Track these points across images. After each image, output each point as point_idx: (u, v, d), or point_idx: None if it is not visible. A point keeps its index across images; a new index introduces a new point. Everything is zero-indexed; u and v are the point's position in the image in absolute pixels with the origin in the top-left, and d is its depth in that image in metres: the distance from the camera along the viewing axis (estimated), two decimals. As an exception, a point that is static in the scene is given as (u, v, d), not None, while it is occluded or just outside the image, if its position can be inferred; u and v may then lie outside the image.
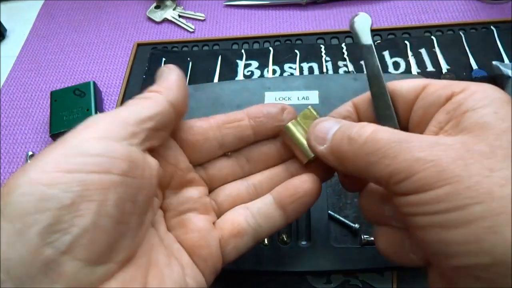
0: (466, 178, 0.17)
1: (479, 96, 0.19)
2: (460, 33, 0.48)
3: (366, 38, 0.25)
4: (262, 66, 0.49)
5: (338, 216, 0.35)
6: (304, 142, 0.25)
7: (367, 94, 0.25)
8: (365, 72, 0.25)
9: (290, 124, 0.26)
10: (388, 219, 0.23)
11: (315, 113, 0.26)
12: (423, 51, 0.47)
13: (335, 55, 0.48)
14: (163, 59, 0.51)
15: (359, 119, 0.25)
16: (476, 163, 0.17)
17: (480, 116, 0.18)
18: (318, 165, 0.26)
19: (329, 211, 0.35)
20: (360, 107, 0.25)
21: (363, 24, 0.25)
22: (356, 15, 0.25)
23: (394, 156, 0.18)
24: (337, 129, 0.22)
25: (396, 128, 0.21)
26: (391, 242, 0.23)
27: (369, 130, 0.20)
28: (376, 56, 0.24)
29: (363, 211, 0.25)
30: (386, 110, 0.23)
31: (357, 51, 0.26)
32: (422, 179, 0.17)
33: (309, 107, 0.26)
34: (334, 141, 0.22)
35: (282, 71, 0.48)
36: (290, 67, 0.48)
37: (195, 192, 0.25)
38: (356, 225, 0.34)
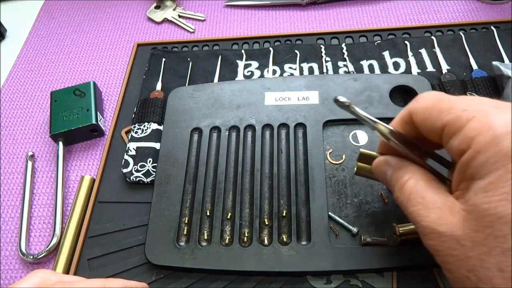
0: None
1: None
2: (460, 33, 0.48)
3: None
4: (262, 67, 0.49)
5: (337, 218, 0.35)
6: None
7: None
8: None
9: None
10: None
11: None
12: (423, 51, 0.47)
13: (335, 55, 0.48)
14: (163, 59, 0.50)
15: None
16: None
17: None
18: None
19: (329, 213, 0.35)
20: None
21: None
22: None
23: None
24: None
25: None
26: None
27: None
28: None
29: None
30: None
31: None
32: None
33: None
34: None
35: (282, 71, 0.48)
36: (290, 68, 0.48)
37: None
38: (354, 229, 0.34)
